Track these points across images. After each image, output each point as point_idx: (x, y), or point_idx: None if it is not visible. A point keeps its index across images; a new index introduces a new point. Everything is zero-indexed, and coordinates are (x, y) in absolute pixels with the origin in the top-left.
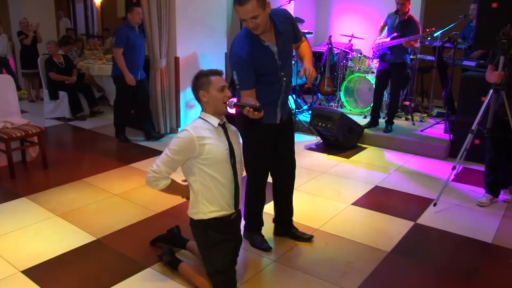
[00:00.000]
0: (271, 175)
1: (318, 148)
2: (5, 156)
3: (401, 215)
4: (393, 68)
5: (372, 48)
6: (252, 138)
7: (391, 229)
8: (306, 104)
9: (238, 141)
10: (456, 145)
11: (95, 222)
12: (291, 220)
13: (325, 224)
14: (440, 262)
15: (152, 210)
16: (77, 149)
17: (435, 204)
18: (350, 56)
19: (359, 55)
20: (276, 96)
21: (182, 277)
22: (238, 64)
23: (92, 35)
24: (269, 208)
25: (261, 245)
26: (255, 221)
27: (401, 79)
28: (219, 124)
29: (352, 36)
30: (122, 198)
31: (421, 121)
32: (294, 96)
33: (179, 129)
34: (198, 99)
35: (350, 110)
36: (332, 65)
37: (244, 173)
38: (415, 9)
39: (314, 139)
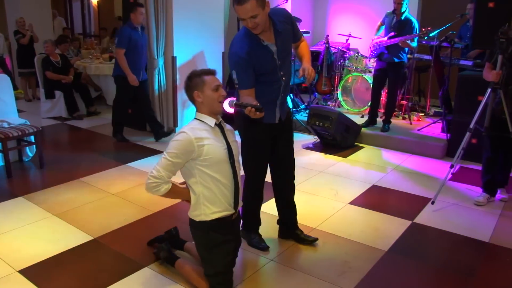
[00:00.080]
0: (271, 176)
1: (315, 147)
2: (1, 156)
3: (398, 214)
4: (390, 68)
5: (370, 47)
6: (251, 137)
7: (388, 228)
8: (304, 103)
9: (235, 140)
10: (453, 144)
11: (92, 221)
12: (296, 221)
13: (322, 224)
14: (437, 261)
15: (149, 210)
16: (74, 149)
17: (433, 202)
18: (347, 55)
19: (356, 54)
20: (275, 96)
21: (179, 276)
22: (237, 63)
23: (89, 34)
24: (268, 208)
25: (259, 244)
26: (253, 221)
27: (398, 79)
28: (215, 124)
29: (349, 36)
30: (120, 197)
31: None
32: (291, 95)
33: (177, 129)
34: (192, 100)
35: (348, 109)
36: (330, 64)
37: (242, 172)
38: (412, 9)
39: (312, 138)
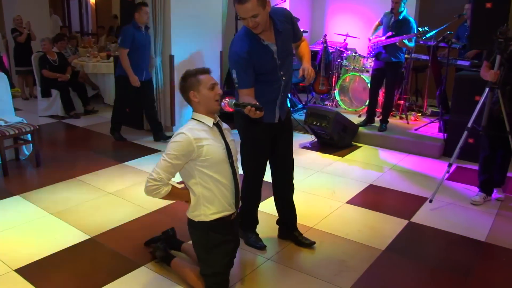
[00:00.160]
0: (271, 176)
1: (312, 146)
2: None
3: (395, 213)
4: (388, 67)
5: (368, 47)
6: (250, 137)
7: (385, 227)
8: (301, 102)
9: (233, 139)
10: (450, 144)
11: (89, 220)
12: (295, 221)
13: (319, 223)
14: (434, 260)
15: (146, 209)
16: (71, 147)
17: (430, 201)
18: (345, 55)
19: (354, 54)
20: (275, 95)
21: (176, 275)
22: (237, 62)
23: (86, 32)
24: (265, 207)
25: (256, 243)
26: (250, 220)
27: (395, 78)
28: (213, 123)
29: (347, 35)
30: (116, 196)
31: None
32: (289, 94)
33: (174, 128)
34: (188, 100)
35: (345, 109)
36: (327, 64)
37: (240, 171)
38: (410, 9)
39: (309, 138)
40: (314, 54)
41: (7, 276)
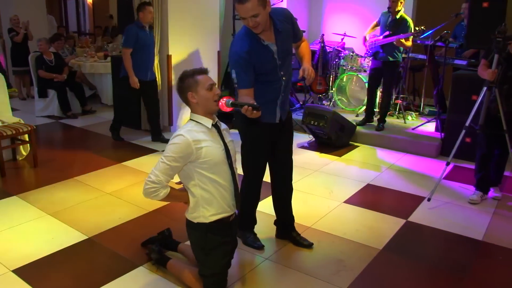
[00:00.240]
0: (270, 176)
1: (310, 146)
2: None
3: (392, 212)
4: (386, 66)
5: (363, 44)
6: (251, 137)
7: (382, 226)
8: (299, 102)
9: (231, 140)
10: (447, 143)
11: (86, 220)
12: (293, 222)
13: (317, 222)
14: (431, 259)
15: (144, 209)
16: (69, 147)
17: (429, 199)
18: (342, 54)
19: (351, 53)
20: (276, 95)
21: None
22: (237, 62)
23: (83, 32)
24: (263, 207)
25: (254, 243)
26: (249, 220)
27: (393, 77)
28: (211, 124)
29: (345, 35)
30: (114, 196)
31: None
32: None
33: (172, 127)
34: (186, 101)
35: (342, 108)
36: (325, 63)
37: (239, 171)
38: (407, 8)
39: (307, 138)
40: (311, 54)
41: (5, 276)
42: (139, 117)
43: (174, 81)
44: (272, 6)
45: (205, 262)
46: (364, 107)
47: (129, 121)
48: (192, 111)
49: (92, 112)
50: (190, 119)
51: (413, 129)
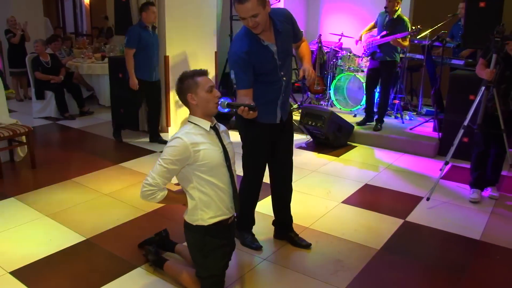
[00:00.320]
0: (270, 176)
1: (308, 146)
2: None
3: (390, 212)
4: (383, 66)
5: (356, 42)
6: (251, 137)
7: (381, 226)
8: (296, 102)
9: (230, 142)
10: (445, 143)
11: (84, 222)
12: (291, 222)
13: (315, 223)
14: (429, 259)
15: (142, 210)
16: (66, 149)
17: (428, 199)
18: (340, 54)
19: (348, 53)
20: (276, 96)
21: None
22: (236, 63)
23: (81, 33)
24: (262, 208)
25: (252, 243)
26: (247, 220)
27: (390, 77)
28: (210, 127)
29: (342, 35)
30: (112, 197)
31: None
32: None
33: (170, 128)
34: (185, 102)
35: (340, 108)
36: (322, 63)
37: (238, 172)
38: (404, 8)
39: (304, 138)
40: None
41: (2, 278)
42: (137, 118)
43: (171, 82)
44: (277, 7)
45: (203, 264)
46: (359, 107)
47: (127, 123)
48: (191, 113)
49: (90, 113)
50: (189, 121)
51: (410, 129)
